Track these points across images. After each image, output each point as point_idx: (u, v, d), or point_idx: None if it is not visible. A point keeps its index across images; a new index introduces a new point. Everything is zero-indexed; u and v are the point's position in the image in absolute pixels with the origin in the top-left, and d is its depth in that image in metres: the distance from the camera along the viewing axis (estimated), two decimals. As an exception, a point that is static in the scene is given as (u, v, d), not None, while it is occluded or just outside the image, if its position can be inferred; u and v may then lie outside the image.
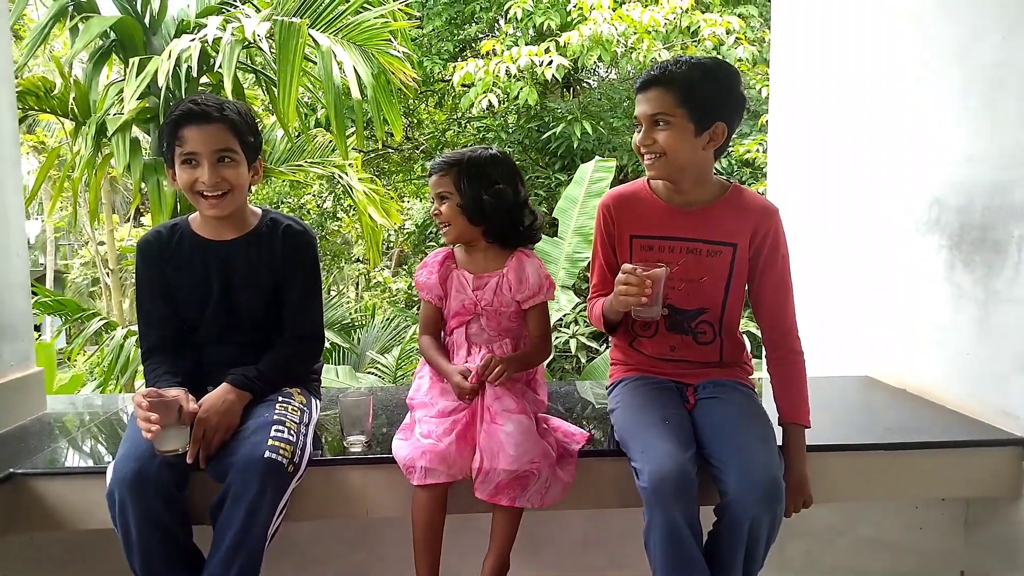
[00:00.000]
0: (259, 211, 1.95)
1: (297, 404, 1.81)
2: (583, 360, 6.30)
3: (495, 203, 1.79)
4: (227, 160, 1.78)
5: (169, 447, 1.58)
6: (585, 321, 6.42)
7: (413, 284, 1.99)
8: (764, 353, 1.90)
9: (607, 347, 6.35)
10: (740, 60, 7.10)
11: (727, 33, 7.05)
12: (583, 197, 5.30)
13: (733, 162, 7.43)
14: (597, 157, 5.80)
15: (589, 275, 2.04)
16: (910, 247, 2.39)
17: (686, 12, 7.12)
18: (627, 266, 1.66)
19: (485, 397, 1.73)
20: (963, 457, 1.97)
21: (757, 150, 6.75)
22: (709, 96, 1.70)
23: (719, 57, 1.88)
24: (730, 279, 1.83)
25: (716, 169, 1.88)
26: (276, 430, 1.66)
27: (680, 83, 1.68)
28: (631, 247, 1.86)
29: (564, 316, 6.34)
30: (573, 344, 6.36)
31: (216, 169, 1.76)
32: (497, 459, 1.64)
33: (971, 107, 2.12)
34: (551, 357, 5.78)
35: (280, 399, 1.79)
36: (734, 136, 1.83)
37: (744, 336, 1.99)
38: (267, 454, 1.59)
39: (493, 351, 1.84)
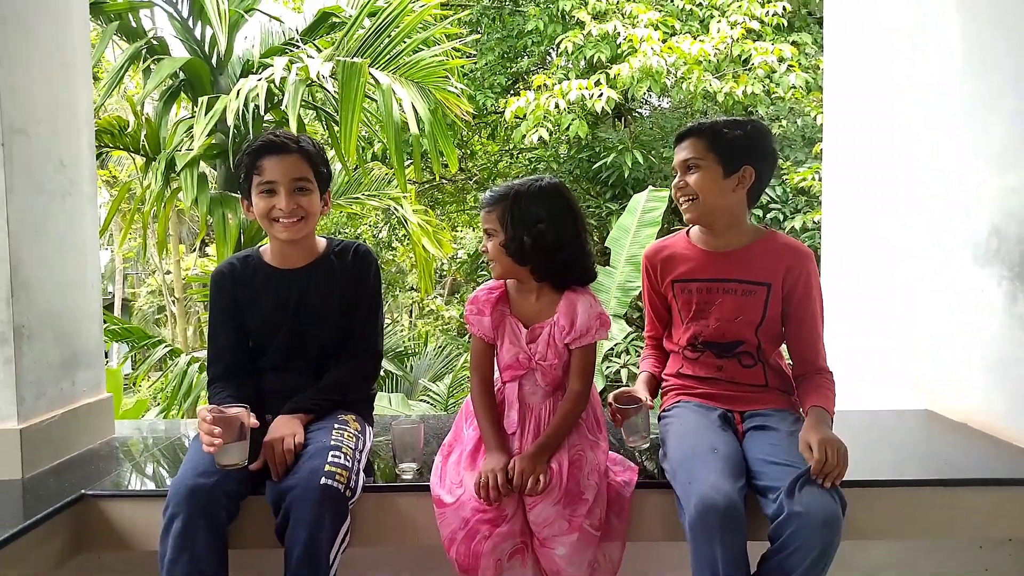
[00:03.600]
0: (324, 240, 2.04)
1: (352, 431, 1.86)
2: (635, 390, 6.25)
3: (535, 244, 1.71)
4: (303, 189, 1.88)
5: (230, 461, 1.65)
6: (637, 351, 6.38)
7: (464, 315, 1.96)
8: (795, 381, 1.93)
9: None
10: (793, 87, 7.05)
11: (779, 61, 7.01)
12: (636, 226, 5.31)
13: (788, 190, 7.34)
14: (650, 187, 5.81)
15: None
16: (969, 278, 2.33)
17: (736, 41, 7.11)
18: (611, 398, 1.85)
19: (529, 515, 1.64)
20: (1031, 495, 1.90)
21: (813, 178, 6.66)
22: (735, 142, 1.84)
23: (754, 118, 2.00)
24: (763, 319, 1.88)
25: (769, 195, 1.94)
26: (333, 455, 1.71)
27: (708, 132, 1.86)
28: (674, 291, 1.97)
29: (616, 345, 6.32)
30: (624, 374, 6.31)
31: (293, 197, 1.86)
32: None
33: (1031, 135, 2.09)
34: (602, 388, 5.76)
35: (336, 426, 1.84)
36: (767, 185, 1.95)
37: (787, 367, 1.99)
38: (323, 480, 1.64)
39: (547, 413, 1.79)
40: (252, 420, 1.68)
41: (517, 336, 1.81)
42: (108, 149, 4.81)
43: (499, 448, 1.71)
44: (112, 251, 14.17)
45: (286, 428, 1.78)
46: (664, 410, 2.00)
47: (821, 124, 6.46)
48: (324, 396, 1.91)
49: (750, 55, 7.07)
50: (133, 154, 4.94)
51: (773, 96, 7.38)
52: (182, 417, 4.88)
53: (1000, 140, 2.20)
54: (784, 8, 7.38)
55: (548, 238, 1.72)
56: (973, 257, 2.31)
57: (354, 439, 1.83)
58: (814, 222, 6.67)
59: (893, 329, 2.82)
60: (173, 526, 1.59)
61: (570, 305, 1.76)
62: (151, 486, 2.00)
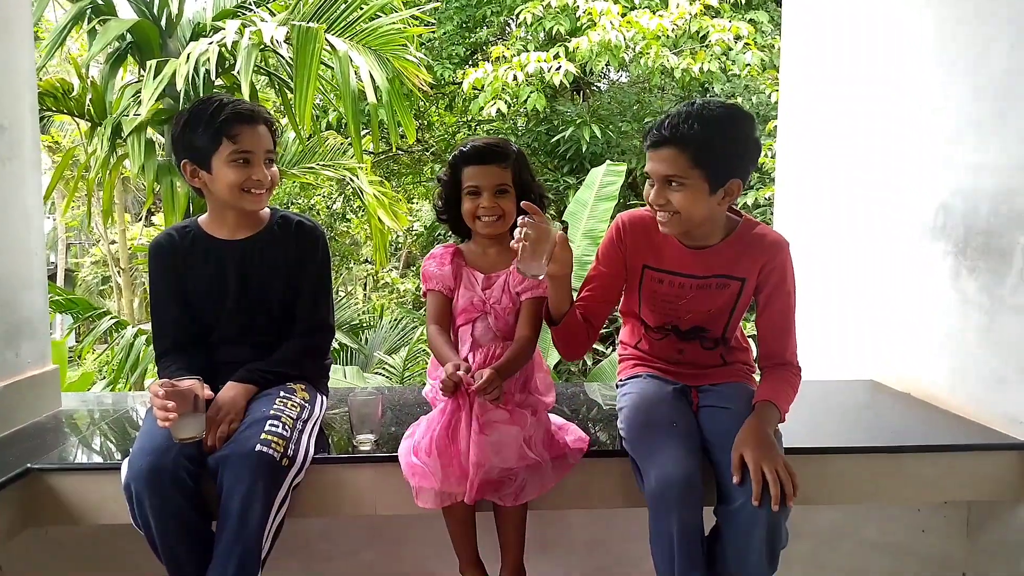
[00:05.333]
0: (268, 210, 1.99)
1: (298, 400, 1.84)
2: (589, 363, 6.32)
3: (542, 195, 1.86)
4: (270, 160, 1.88)
5: (186, 435, 1.62)
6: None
7: (420, 280, 1.98)
8: (760, 370, 1.89)
9: (613, 349, 6.36)
10: (749, 65, 7.12)
11: (736, 39, 7.07)
12: (593, 200, 5.31)
13: (742, 167, 7.44)
14: (608, 162, 5.82)
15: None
16: (916, 253, 2.40)
17: (695, 17, 7.14)
18: (520, 222, 1.62)
19: (475, 408, 1.65)
20: (966, 461, 1.99)
21: (765, 155, 6.77)
22: (724, 155, 1.65)
23: (735, 104, 1.76)
24: (733, 310, 1.87)
25: None
26: (271, 424, 1.70)
27: (694, 144, 1.62)
28: (642, 276, 1.88)
29: (572, 319, 6.35)
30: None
31: (265, 168, 1.85)
32: (482, 466, 1.63)
33: (981, 115, 2.14)
34: (557, 360, 5.80)
35: (281, 394, 1.83)
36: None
37: (749, 340, 2.02)
38: (258, 447, 1.62)
39: (495, 353, 1.82)
40: (206, 392, 1.66)
41: (473, 284, 1.88)
42: (51, 113, 4.62)
43: (455, 364, 1.72)
44: (55, 219, 13.67)
45: (231, 401, 1.77)
46: (622, 380, 2.02)
47: (775, 102, 6.57)
48: (275, 368, 1.89)
49: (707, 32, 7.11)
50: (77, 119, 4.76)
51: (729, 73, 7.44)
52: (129, 390, 4.78)
53: (953, 120, 2.25)
54: (741, -15, 7.43)
55: (542, 189, 1.91)
56: (921, 232, 2.37)
57: (297, 408, 1.81)
58: (766, 198, 6.79)
59: (840, 300, 2.90)
60: (145, 502, 1.57)
61: None
62: (99, 460, 1.96)
